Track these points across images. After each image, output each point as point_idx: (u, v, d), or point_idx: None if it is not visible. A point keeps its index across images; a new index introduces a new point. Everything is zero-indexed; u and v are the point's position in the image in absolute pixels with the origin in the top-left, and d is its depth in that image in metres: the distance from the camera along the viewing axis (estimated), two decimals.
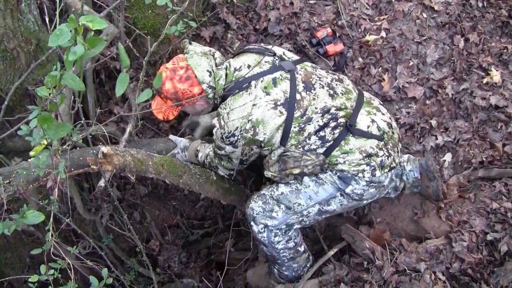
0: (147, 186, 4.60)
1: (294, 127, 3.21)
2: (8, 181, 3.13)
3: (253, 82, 3.23)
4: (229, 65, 3.37)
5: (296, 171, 3.25)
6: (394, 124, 3.47)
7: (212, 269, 5.02)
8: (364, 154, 3.23)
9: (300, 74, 3.32)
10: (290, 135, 3.22)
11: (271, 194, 3.43)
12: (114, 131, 3.82)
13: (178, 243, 5.04)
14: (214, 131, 3.33)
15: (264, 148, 3.32)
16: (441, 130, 3.97)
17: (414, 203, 3.89)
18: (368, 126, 3.29)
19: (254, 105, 3.18)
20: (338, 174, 3.26)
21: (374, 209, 3.96)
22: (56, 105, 2.14)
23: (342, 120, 3.25)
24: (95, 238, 4.63)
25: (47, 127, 2.12)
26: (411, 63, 4.11)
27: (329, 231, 4.14)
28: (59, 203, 4.04)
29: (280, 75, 3.27)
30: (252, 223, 3.47)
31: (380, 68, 4.12)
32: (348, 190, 3.27)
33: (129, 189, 4.57)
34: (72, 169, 3.39)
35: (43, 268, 2.76)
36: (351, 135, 3.23)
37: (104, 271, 2.92)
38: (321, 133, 3.23)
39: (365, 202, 3.43)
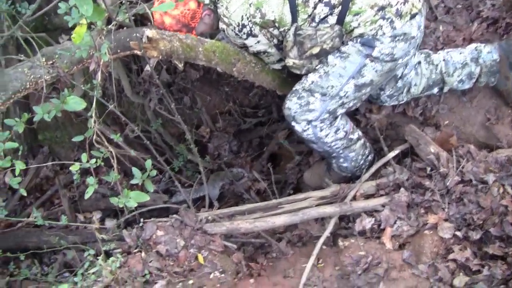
0: (199, 70, 4.42)
1: None
2: (51, 62, 2.96)
3: None
4: None
5: (316, 50, 3.07)
6: None
7: (263, 160, 4.88)
8: (375, 9, 2.94)
9: None
10: (297, 8, 2.99)
11: (302, 87, 3.26)
12: None
13: (229, 131, 4.95)
14: (227, 34, 3.17)
15: (281, 29, 3.09)
16: None
17: (487, 107, 3.57)
18: None
19: None
20: (359, 40, 3.02)
21: (442, 110, 3.67)
22: None
23: None
24: (143, 122, 4.54)
25: (85, 10, 1.94)
26: None
27: (391, 130, 3.90)
28: (107, 84, 3.88)
29: None
30: (293, 123, 3.32)
31: None
32: (375, 53, 3.03)
33: (180, 73, 4.39)
34: (118, 51, 3.21)
35: (84, 157, 2.65)
36: None
37: (148, 163, 2.78)
38: None
39: (401, 61, 3.13)
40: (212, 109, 4.85)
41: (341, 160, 3.54)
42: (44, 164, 4.40)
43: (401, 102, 3.65)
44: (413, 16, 2.99)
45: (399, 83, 3.48)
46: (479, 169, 3.16)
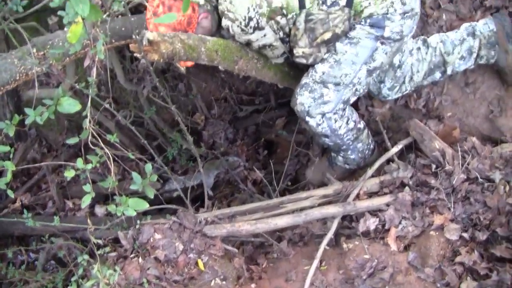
0: None
1: None
2: (42, 53, 2.82)
3: None
4: None
5: (328, 35, 2.96)
6: None
7: (260, 148, 4.78)
8: None
9: None
10: None
11: (313, 79, 3.14)
12: None
13: (225, 118, 4.83)
14: (231, 31, 3.00)
15: (288, 17, 2.96)
16: None
17: (491, 99, 3.50)
18: None
19: None
20: (368, 21, 2.94)
21: (445, 102, 3.60)
22: None
23: None
24: (136, 108, 4.43)
25: (81, 10, 1.79)
26: None
27: (392, 121, 3.82)
28: (98, 71, 3.77)
29: None
30: (307, 118, 3.20)
31: None
32: (386, 33, 2.97)
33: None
34: (113, 41, 3.08)
35: (80, 162, 2.52)
36: None
37: (148, 167, 2.68)
38: None
39: (406, 39, 3.09)
40: (207, 96, 4.73)
41: (349, 152, 3.47)
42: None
43: (404, 93, 3.56)
44: None
45: (398, 73, 3.40)
46: (484, 166, 3.11)
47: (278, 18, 2.95)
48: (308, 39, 2.98)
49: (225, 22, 2.97)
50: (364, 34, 2.96)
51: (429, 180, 3.16)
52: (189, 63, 3.03)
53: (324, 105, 3.14)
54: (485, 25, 3.30)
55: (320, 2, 2.90)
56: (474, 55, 3.36)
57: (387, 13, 2.90)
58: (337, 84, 3.10)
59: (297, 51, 3.05)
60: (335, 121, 3.20)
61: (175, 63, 2.65)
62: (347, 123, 3.26)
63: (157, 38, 2.41)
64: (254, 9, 2.87)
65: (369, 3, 2.88)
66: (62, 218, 4.04)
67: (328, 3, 2.89)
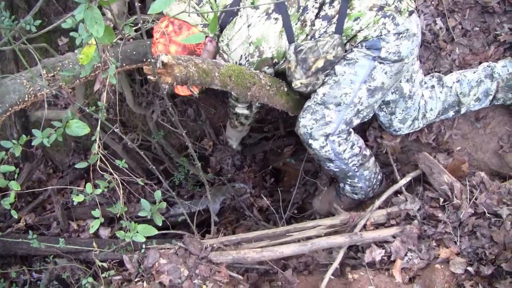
0: None
1: (295, 24, 2.99)
2: (52, 75, 2.80)
3: (241, 3, 3.00)
4: None
5: (320, 62, 3.02)
6: None
7: (267, 175, 4.76)
8: (375, 9, 2.94)
9: None
10: (295, 33, 3.01)
11: (314, 101, 3.16)
12: None
13: None
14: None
15: (279, 63, 3.13)
16: None
17: (501, 134, 3.51)
18: None
19: (248, 26, 2.98)
20: (364, 44, 2.99)
21: (455, 136, 3.59)
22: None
23: None
24: (144, 132, 4.41)
25: (96, 31, 1.77)
26: None
27: (401, 154, 3.81)
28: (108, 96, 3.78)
29: None
30: (310, 141, 3.19)
31: None
32: (383, 54, 2.98)
33: None
34: (124, 64, 3.06)
35: (89, 187, 2.52)
36: None
37: (157, 194, 2.66)
38: (322, 13, 2.98)
39: (407, 60, 3.08)
40: (216, 122, 4.72)
41: (356, 180, 3.44)
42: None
43: (416, 130, 3.57)
44: (410, 13, 2.99)
45: (409, 103, 3.39)
46: (492, 201, 3.08)
47: (265, 68, 3.08)
48: (302, 70, 3.04)
49: (218, 59, 3.05)
50: (361, 55, 3.02)
51: (437, 214, 3.13)
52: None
53: (326, 126, 3.13)
54: (504, 68, 3.33)
55: (310, 37, 2.99)
56: (490, 97, 3.38)
57: (380, 35, 2.94)
58: (338, 104, 3.11)
59: (295, 84, 3.11)
60: (339, 144, 3.19)
61: (189, 87, 2.64)
62: (351, 147, 3.25)
63: (172, 61, 2.39)
64: (246, 58, 3.00)
65: (361, 28, 2.94)
66: (66, 239, 4.01)
67: (317, 36, 2.98)
